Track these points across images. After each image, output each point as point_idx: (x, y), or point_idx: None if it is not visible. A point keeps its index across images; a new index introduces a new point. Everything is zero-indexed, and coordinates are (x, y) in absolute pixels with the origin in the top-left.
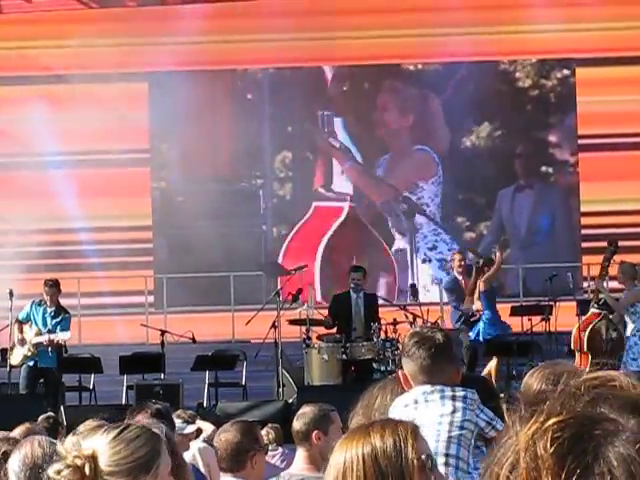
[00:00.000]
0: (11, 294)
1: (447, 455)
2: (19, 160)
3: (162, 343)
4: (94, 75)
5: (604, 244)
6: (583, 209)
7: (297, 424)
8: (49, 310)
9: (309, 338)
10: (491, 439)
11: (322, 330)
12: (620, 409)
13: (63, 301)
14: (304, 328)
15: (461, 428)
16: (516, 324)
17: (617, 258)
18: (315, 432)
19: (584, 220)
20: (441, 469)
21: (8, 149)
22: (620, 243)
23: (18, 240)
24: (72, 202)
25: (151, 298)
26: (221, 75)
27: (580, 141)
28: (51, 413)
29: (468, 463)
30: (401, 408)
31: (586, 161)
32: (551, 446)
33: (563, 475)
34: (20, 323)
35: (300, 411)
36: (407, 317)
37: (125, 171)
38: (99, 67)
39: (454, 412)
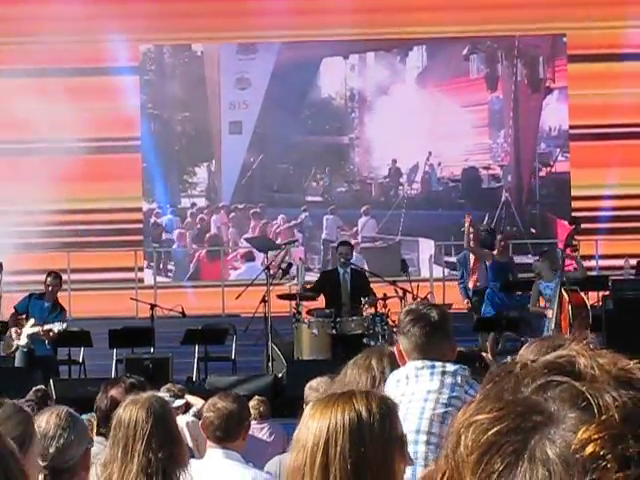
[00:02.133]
0: (0, 267)
1: (429, 433)
2: (19, 147)
3: (152, 317)
4: (88, 69)
5: (593, 225)
6: (573, 193)
7: (317, 394)
8: (47, 305)
9: (299, 313)
10: None
11: (312, 305)
12: (564, 400)
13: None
14: (294, 303)
15: (447, 405)
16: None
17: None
18: None
19: (574, 203)
20: (422, 448)
21: (8, 136)
22: (607, 225)
23: (16, 220)
24: (70, 185)
25: (141, 274)
26: None
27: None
28: (41, 386)
29: None
30: (394, 383)
31: (576, 149)
32: (473, 442)
33: (482, 473)
34: (16, 313)
35: (314, 383)
36: (397, 292)
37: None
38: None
39: (441, 388)
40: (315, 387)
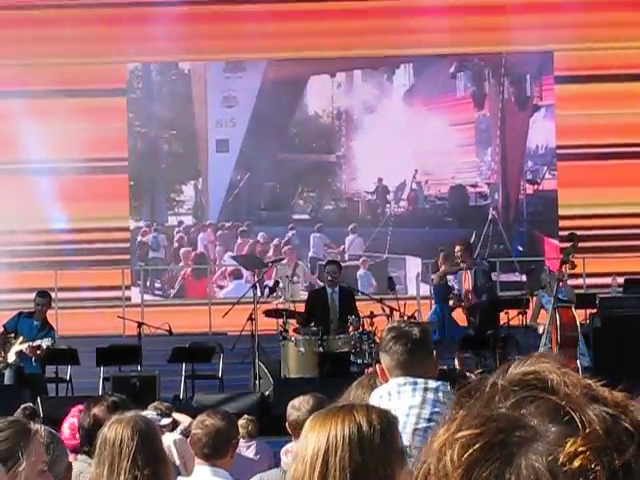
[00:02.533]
0: None
1: (411, 447)
2: (10, 167)
3: (139, 335)
4: (75, 90)
5: (580, 244)
6: (561, 212)
7: (302, 414)
8: (36, 323)
9: (286, 330)
10: None
11: (299, 323)
12: (542, 415)
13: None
14: (281, 321)
15: (429, 420)
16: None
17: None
18: None
19: (562, 223)
20: None
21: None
22: (593, 244)
23: (4, 239)
24: (56, 205)
25: (128, 292)
26: None
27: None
28: (29, 404)
29: None
30: (377, 399)
31: (563, 169)
32: (459, 458)
33: None
34: (5, 332)
35: (297, 402)
36: (384, 310)
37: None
38: (80, 84)
39: (423, 403)
40: (297, 406)
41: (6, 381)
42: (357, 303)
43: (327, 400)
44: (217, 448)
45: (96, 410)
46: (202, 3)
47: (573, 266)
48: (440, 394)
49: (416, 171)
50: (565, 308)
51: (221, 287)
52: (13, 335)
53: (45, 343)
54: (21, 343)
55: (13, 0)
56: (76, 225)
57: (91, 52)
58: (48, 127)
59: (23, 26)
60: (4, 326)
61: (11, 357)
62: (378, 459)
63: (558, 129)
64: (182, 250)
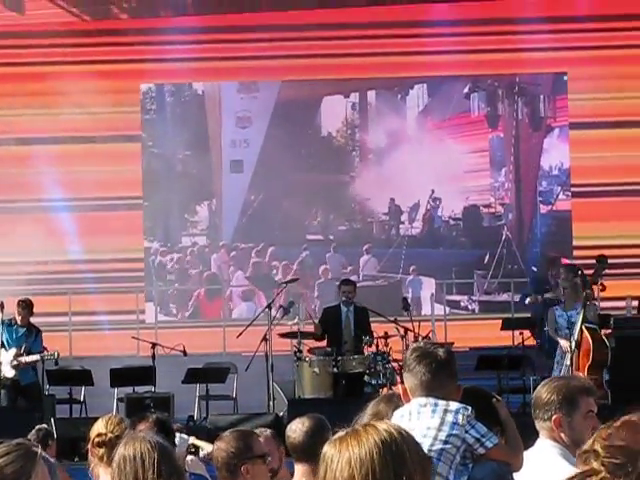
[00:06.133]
0: (2, 306)
1: None
2: (31, 205)
3: (153, 355)
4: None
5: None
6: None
7: (298, 436)
8: (21, 330)
9: (300, 351)
10: (479, 456)
11: (313, 343)
12: None
13: (57, 319)
14: (295, 341)
15: (445, 443)
16: (507, 338)
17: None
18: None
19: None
20: None
21: (21, 196)
22: (609, 271)
23: (24, 269)
24: (75, 240)
25: (142, 315)
26: None
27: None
28: (43, 425)
29: (447, 479)
30: (398, 418)
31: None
32: None
33: None
34: None
35: (293, 424)
36: (398, 331)
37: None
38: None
39: (441, 425)
40: (293, 428)
41: (2, 397)
42: (372, 324)
43: (327, 420)
44: (226, 471)
45: (142, 427)
46: (215, 31)
47: (603, 287)
48: (459, 416)
49: (433, 191)
50: (592, 330)
51: (235, 307)
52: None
53: (29, 360)
54: (16, 355)
55: (36, 57)
56: (91, 256)
57: (106, 76)
58: (67, 170)
59: (43, 80)
60: None
61: (10, 372)
62: (413, 465)
63: (572, 170)
64: (193, 271)
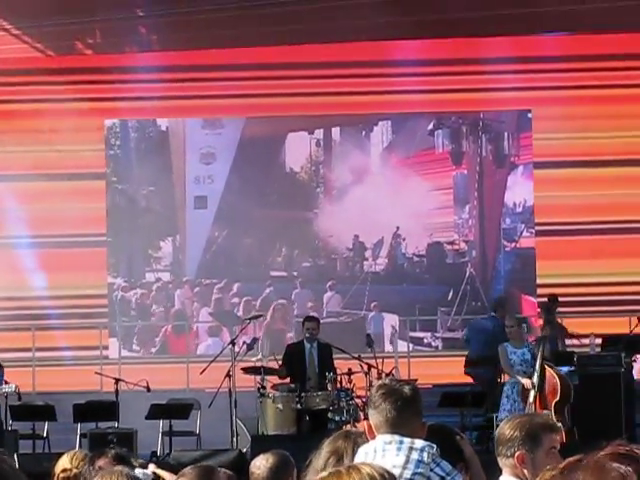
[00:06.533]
0: None
1: None
2: None
3: (116, 391)
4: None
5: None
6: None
7: (262, 472)
8: None
9: (263, 387)
10: None
11: (277, 379)
12: None
13: (21, 354)
14: (259, 377)
15: None
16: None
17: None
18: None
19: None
20: None
21: None
22: (568, 309)
23: None
24: (38, 276)
25: (106, 351)
26: None
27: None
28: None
29: None
30: (362, 456)
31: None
32: None
33: None
34: None
35: (257, 460)
36: (362, 367)
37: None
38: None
39: (407, 463)
40: (257, 465)
41: None
42: (335, 361)
43: (291, 456)
44: None
45: (101, 462)
46: (180, 69)
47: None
48: (425, 455)
49: (397, 228)
50: (552, 368)
51: (200, 343)
52: None
53: (4, 390)
54: None
55: (0, 95)
56: (55, 292)
57: (70, 114)
58: (31, 207)
59: (9, 118)
60: None
61: None
62: None
63: (535, 208)
64: (156, 307)
